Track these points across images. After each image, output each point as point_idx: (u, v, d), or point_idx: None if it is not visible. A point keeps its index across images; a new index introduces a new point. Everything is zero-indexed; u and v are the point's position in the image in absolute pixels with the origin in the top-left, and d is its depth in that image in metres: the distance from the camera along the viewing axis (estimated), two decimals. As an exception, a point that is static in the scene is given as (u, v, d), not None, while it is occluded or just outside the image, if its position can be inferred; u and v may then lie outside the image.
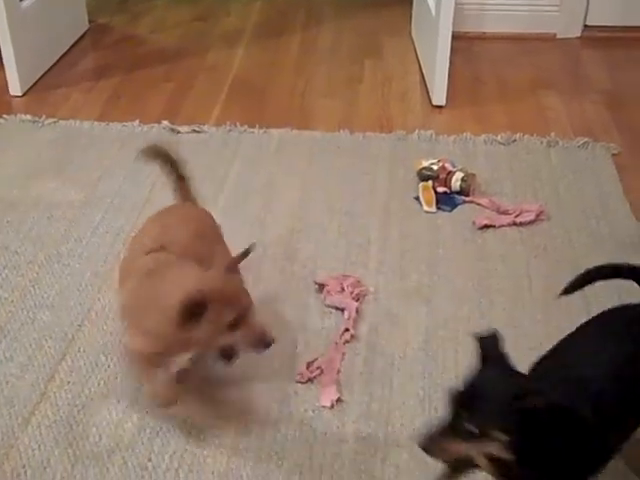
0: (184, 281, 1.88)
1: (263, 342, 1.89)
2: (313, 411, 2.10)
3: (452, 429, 1.33)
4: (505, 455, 1.32)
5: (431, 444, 1.35)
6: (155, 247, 2.04)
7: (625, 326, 1.68)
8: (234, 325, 1.86)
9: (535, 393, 1.32)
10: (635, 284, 1.76)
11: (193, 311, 1.81)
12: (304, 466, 1.95)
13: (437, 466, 1.74)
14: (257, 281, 2.46)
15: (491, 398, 1.33)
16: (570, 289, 1.77)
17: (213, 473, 1.94)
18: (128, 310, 2.02)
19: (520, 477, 1.38)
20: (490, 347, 1.44)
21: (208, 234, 2.20)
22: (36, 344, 2.30)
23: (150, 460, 1.97)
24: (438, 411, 2.08)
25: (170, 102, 3.69)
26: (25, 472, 1.94)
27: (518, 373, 1.44)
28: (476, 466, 1.42)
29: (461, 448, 1.33)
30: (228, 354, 2.11)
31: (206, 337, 1.86)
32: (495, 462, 1.35)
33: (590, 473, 1.46)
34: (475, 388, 1.35)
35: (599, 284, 2.01)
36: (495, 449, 1.31)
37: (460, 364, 2.21)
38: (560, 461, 1.36)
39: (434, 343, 2.30)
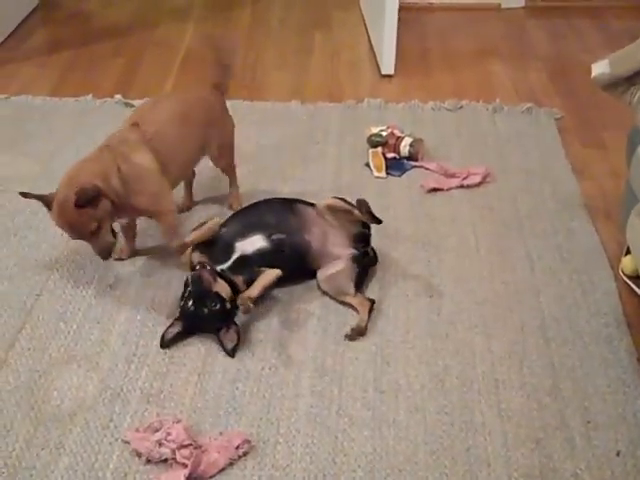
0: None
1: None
2: (270, 369, 2.17)
3: None
4: None
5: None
6: (132, 121, 2.40)
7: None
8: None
9: None
10: None
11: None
12: (262, 420, 2.03)
13: (388, 418, 1.84)
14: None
15: None
16: None
17: (174, 430, 2.01)
18: None
19: None
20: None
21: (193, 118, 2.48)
22: (-5, 314, 2.34)
23: (112, 420, 2.02)
24: (389, 364, 2.17)
25: (123, 76, 3.71)
26: (-12, 435, 1.99)
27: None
28: None
29: None
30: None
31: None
32: None
33: None
34: None
35: (543, 246, 2.28)
36: None
37: (411, 320, 2.30)
38: None
39: (386, 302, 2.39)
